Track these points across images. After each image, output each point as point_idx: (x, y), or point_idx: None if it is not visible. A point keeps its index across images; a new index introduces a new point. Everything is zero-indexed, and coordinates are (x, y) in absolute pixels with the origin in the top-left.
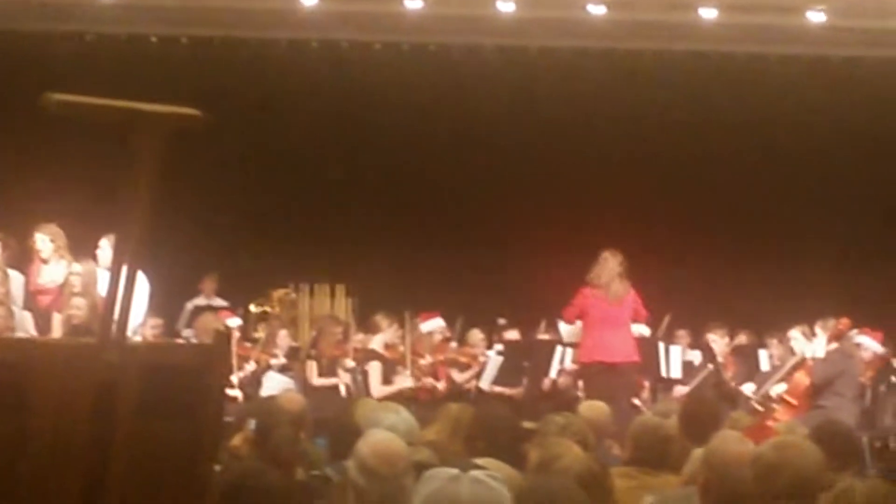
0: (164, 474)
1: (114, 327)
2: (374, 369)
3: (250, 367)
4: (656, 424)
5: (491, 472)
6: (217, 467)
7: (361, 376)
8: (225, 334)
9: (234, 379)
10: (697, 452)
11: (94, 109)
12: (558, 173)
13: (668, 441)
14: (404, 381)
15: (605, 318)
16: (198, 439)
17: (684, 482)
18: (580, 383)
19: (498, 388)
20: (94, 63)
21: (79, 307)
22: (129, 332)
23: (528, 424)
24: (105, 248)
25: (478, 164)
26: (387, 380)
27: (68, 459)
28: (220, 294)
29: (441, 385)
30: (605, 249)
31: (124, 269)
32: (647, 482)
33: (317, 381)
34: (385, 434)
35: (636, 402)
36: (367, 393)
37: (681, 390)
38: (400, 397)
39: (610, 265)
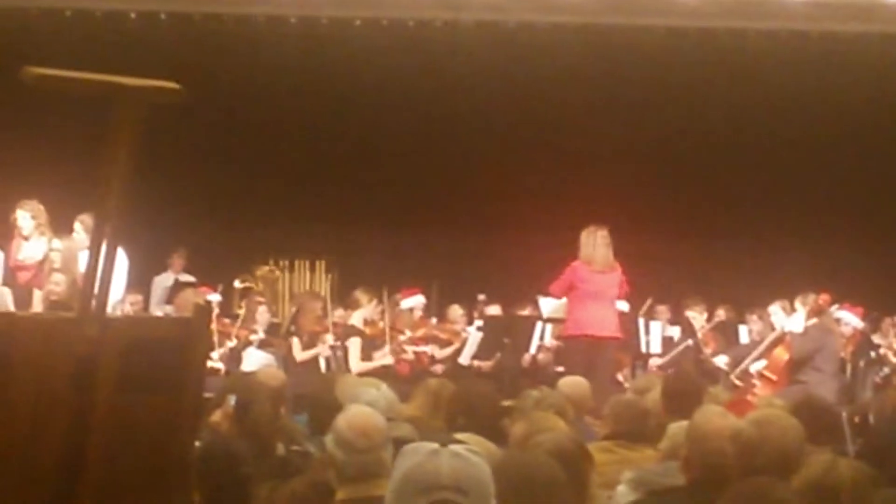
0: (143, 448)
1: (93, 302)
2: (354, 345)
3: (231, 343)
4: (635, 399)
5: (470, 447)
6: (197, 443)
7: (342, 352)
8: (205, 308)
9: (215, 355)
10: (674, 427)
11: (73, 83)
12: (537, 149)
13: (647, 416)
14: (384, 357)
15: (593, 292)
16: (177, 413)
17: (662, 457)
18: (560, 358)
19: (476, 363)
20: (73, 39)
21: (58, 283)
22: (108, 308)
23: (506, 402)
24: (85, 224)
25: (457, 139)
26: (367, 356)
27: (48, 433)
28: (195, 270)
29: (421, 361)
30: (590, 223)
31: (103, 244)
32: (626, 456)
33: (298, 355)
34: (363, 408)
35: (619, 377)
36: (348, 369)
37: (657, 363)
38: (380, 373)
39: (597, 238)
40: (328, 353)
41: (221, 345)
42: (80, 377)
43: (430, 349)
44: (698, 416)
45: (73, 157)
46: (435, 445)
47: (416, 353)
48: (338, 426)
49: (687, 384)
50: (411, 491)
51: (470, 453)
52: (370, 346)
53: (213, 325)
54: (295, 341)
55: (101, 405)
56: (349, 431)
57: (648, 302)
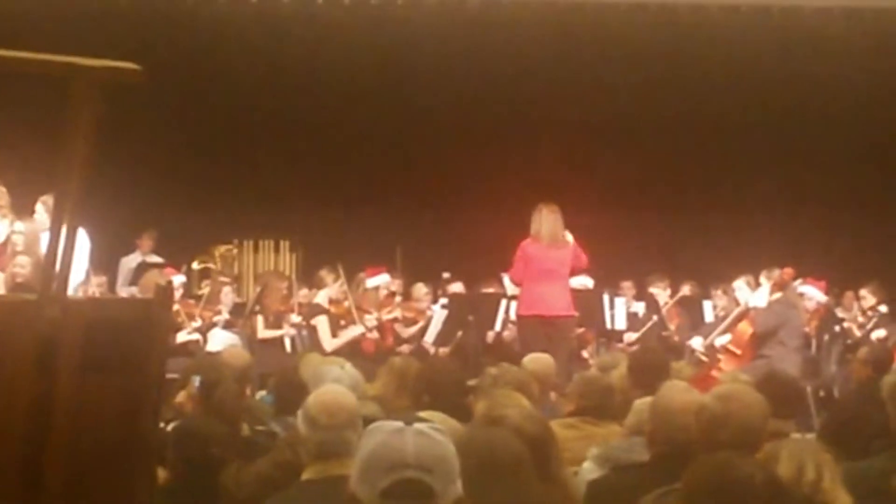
0: (106, 429)
1: (55, 283)
2: (322, 324)
3: (196, 323)
4: (599, 375)
5: (434, 425)
6: (170, 423)
7: (307, 331)
8: (166, 288)
9: (182, 335)
10: (639, 403)
11: (31, 64)
12: (501, 127)
13: (612, 392)
14: (354, 331)
15: (544, 271)
16: (139, 394)
17: (627, 433)
18: (519, 336)
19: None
20: (33, 18)
21: (22, 265)
22: (71, 290)
23: (471, 381)
24: (46, 205)
25: (420, 118)
26: (333, 335)
27: (11, 414)
28: (162, 251)
29: (387, 338)
30: (540, 202)
31: (64, 225)
32: (591, 433)
33: (262, 334)
34: (333, 387)
35: (584, 354)
36: (315, 348)
37: (628, 338)
38: (345, 352)
39: (543, 213)
40: (292, 332)
41: (186, 326)
42: (41, 358)
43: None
44: (662, 392)
45: (34, 139)
46: (399, 424)
47: (381, 329)
48: (307, 405)
49: (653, 359)
50: (376, 469)
51: (434, 431)
52: (336, 326)
53: (178, 306)
54: (259, 320)
55: (63, 386)
56: (317, 410)
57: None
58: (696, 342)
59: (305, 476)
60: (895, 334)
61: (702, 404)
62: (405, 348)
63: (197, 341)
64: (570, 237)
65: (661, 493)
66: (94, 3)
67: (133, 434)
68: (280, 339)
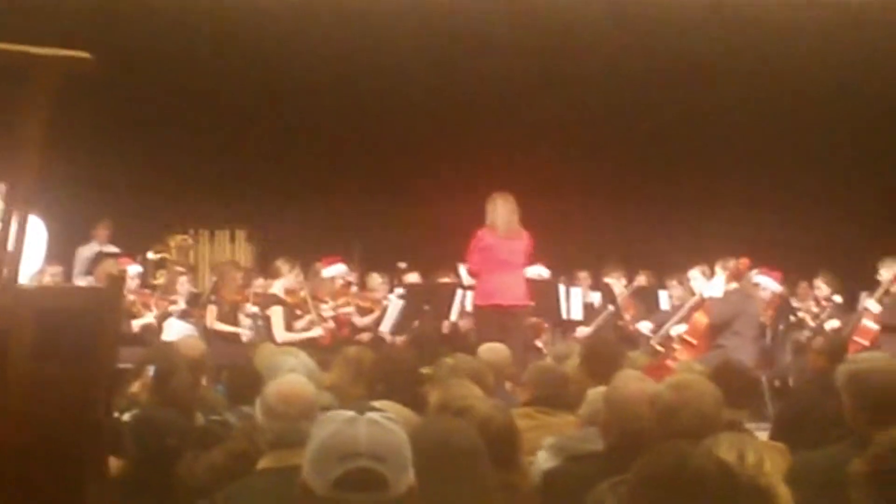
0: (57, 417)
1: (5, 272)
2: (276, 314)
3: (151, 313)
4: (554, 365)
5: (387, 414)
6: (116, 413)
7: (262, 321)
8: (118, 278)
9: (136, 323)
10: (592, 393)
11: None
12: (456, 117)
13: (567, 382)
14: (311, 327)
15: (499, 260)
16: (90, 382)
17: (582, 423)
18: (475, 326)
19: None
20: None
21: None
22: (27, 279)
23: (426, 370)
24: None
25: (377, 107)
26: (288, 325)
27: None
28: (117, 241)
29: (342, 329)
30: (494, 192)
31: (15, 214)
32: (546, 422)
33: (217, 326)
34: (293, 377)
35: (538, 343)
36: (270, 338)
37: (582, 332)
38: (301, 342)
39: (499, 204)
40: (248, 332)
41: (142, 315)
42: None
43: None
44: (616, 381)
45: None
46: (352, 413)
47: (336, 319)
48: (265, 394)
49: (606, 349)
50: (328, 458)
51: (387, 420)
52: (291, 316)
53: (133, 297)
54: (210, 310)
55: (13, 374)
56: (274, 399)
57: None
58: (645, 326)
59: (262, 465)
60: (849, 324)
61: (656, 393)
62: (364, 336)
63: (152, 330)
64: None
65: (615, 483)
66: None
67: (84, 422)
68: (235, 330)
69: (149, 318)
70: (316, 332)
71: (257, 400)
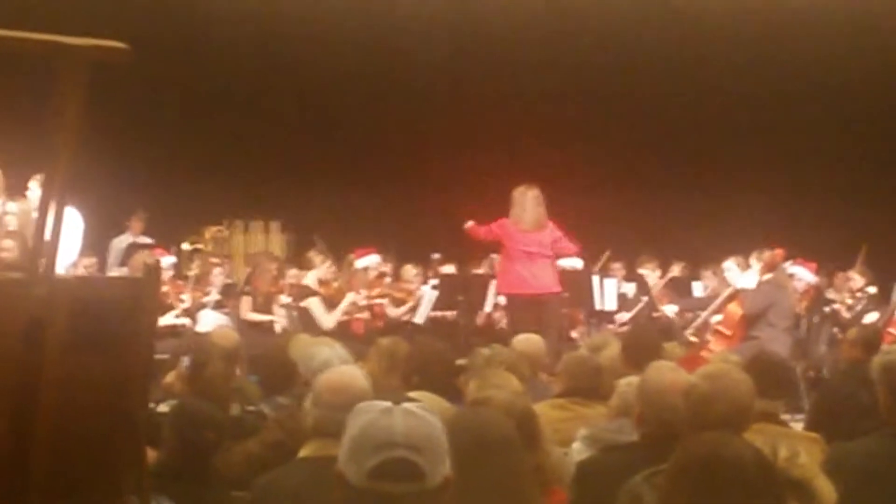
0: (94, 408)
1: (43, 262)
2: (316, 304)
3: (185, 305)
4: (588, 356)
5: (423, 405)
6: (152, 404)
7: (296, 312)
8: (154, 268)
9: (171, 317)
10: (622, 384)
11: (18, 43)
12: (491, 107)
13: (601, 372)
14: (349, 298)
15: (521, 251)
16: (127, 373)
17: (614, 414)
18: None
19: (435, 313)
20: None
21: (10, 248)
22: (61, 269)
23: (460, 361)
24: (36, 186)
25: (411, 99)
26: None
27: None
28: (152, 232)
29: (376, 319)
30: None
31: (52, 205)
32: (580, 413)
33: (251, 317)
34: (345, 368)
35: (574, 335)
36: (306, 329)
37: (621, 318)
38: (335, 333)
39: (528, 198)
40: (282, 320)
41: (176, 306)
42: (29, 337)
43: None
44: (650, 372)
45: (26, 118)
46: (388, 404)
47: (371, 310)
48: (317, 381)
49: (647, 338)
50: (365, 449)
51: (423, 411)
52: (327, 306)
53: (168, 287)
54: (244, 301)
55: (50, 365)
56: (322, 387)
57: (605, 256)
58: (670, 309)
59: (303, 453)
60: (885, 316)
61: (691, 384)
62: (399, 327)
63: (184, 323)
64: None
65: (650, 474)
66: None
67: (121, 413)
68: (270, 320)
69: (182, 310)
70: (351, 297)
71: (307, 389)
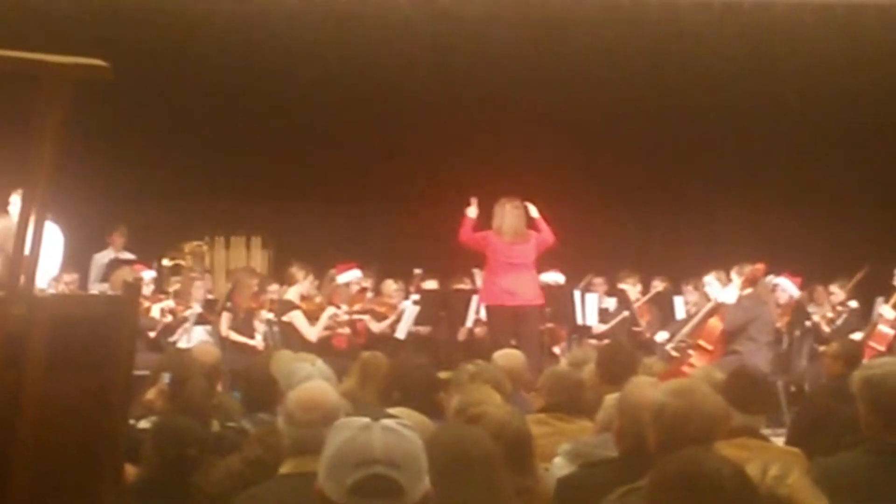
0: (74, 425)
1: (22, 279)
2: (299, 318)
3: (166, 319)
4: (569, 371)
5: (402, 421)
6: (132, 421)
7: (278, 328)
8: (134, 286)
9: (152, 334)
10: (609, 399)
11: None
12: (472, 123)
13: (582, 387)
14: (330, 311)
15: (505, 263)
16: (107, 390)
17: (598, 429)
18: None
19: (414, 328)
20: (4, 16)
21: None
22: (42, 286)
23: (442, 374)
24: (17, 202)
25: (393, 113)
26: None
27: None
28: (134, 247)
29: (358, 335)
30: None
31: (32, 220)
32: (561, 429)
33: (232, 336)
34: (316, 383)
35: (555, 350)
36: (288, 345)
37: (598, 328)
38: (316, 348)
39: (506, 209)
40: (261, 343)
41: (157, 323)
42: (8, 355)
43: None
44: (629, 388)
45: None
46: (366, 420)
47: (351, 324)
48: (287, 400)
49: (621, 354)
50: (343, 465)
51: (402, 427)
52: (309, 320)
53: (148, 302)
54: (225, 317)
55: (30, 382)
56: (294, 405)
57: (587, 278)
58: (661, 336)
59: (283, 470)
60: (867, 330)
61: (661, 402)
62: (380, 342)
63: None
64: (534, 211)
65: (625, 491)
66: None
67: (101, 430)
68: (251, 336)
69: (163, 325)
70: (331, 310)
71: (279, 407)
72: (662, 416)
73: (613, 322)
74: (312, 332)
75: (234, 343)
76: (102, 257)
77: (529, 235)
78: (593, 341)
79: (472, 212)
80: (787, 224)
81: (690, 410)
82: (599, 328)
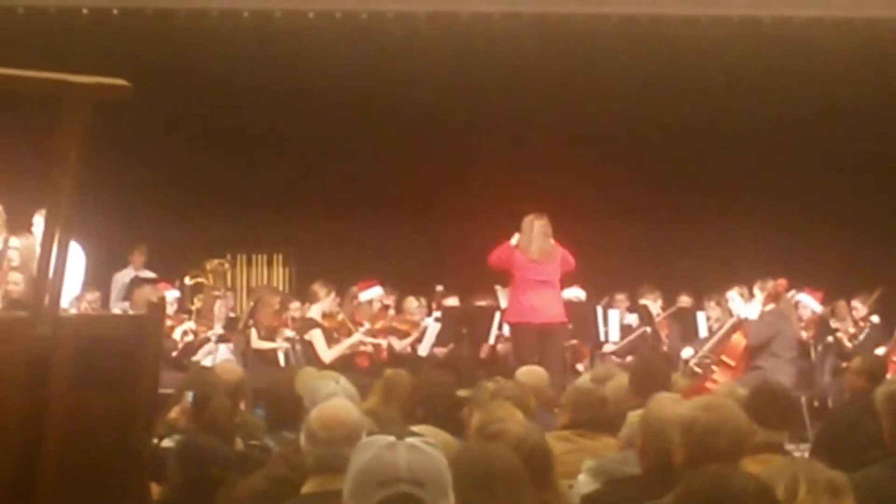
0: (98, 445)
1: (46, 299)
2: (318, 337)
3: (188, 338)
4: (593, 387)
5: (427, 439)
6: (155, 440)
7: (300, 345)
8: (158, 305)
9: (174, 353)
10: (633, 415)
11: (22, 81)
12: (494, 140)
13: (605, 404)
14: (353, 338)
15: (530, 279)
16: (131, 410)
17: (622, 445)
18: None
19: (435, 350)
20: (26, 37)
21: (17, 282)
22: (65, 305)
23: (462, 392)
24: (41, 221)
25: (413, 131)
26: (329, 346)
27: (2, 432)
28: (155, 266)
29: (380, 353)
30: (531, 213)
31: (55, 242)
32: (585, 445)
33: (256, 344)
34: (337, 401)
35: (579, 367)
36: (309, 362)
37: (610, 347)
38: (339, 366)
39: (535, 227)
40: (286, 346)
41: (181, 340)
42: (33, 375)
43: (386, 341)
44: (653, 405)
45: (29, 154)
46: (391, 438)
47: (374, 344)
48: (309, 419)
49: (655, 369)
50: (368, 484)
51: (426, 445)
52: (330, 339)
53: (171, 322)
54: (253, 332)
55: (54, 402)
56: (317, 424)
57: (606, 299)
58: (686, 352)
59: (306, 489)
60: (890, 345)
61: (691, 417)
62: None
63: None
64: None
65: None
66: (86, 19)
67: (125, 449)
68: (274, 354)
69: (184, 344)
70: (355, 337)
71: (302, 425)
72: (693, 429)
73: (630, 338)
74: (328, 355)
75: (258, 358)
76: (123, 276)
77: (555, 253)
78: (614, 358)
79: (515, 240)
80: (808, 239)
81: (721, 424)
82: (617, 345)
